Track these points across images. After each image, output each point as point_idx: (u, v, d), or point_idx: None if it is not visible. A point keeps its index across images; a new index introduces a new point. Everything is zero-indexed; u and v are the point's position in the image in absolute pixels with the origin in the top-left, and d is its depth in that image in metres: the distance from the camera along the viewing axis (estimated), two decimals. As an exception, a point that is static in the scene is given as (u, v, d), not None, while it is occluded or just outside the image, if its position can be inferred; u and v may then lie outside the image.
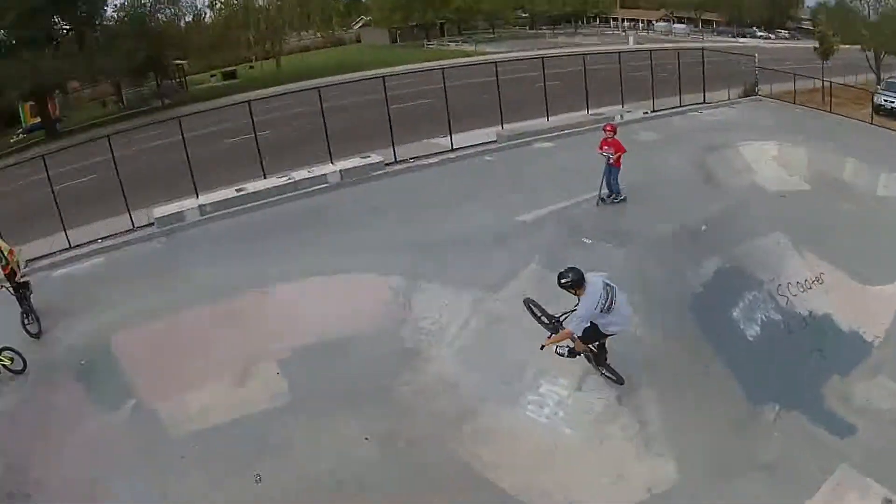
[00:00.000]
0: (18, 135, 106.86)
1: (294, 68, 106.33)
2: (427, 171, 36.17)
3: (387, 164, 36.87)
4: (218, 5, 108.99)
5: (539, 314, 18.81)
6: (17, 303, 25.75)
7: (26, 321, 25.37)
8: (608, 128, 26.86)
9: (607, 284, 16.86)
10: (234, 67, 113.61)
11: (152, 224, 34.39)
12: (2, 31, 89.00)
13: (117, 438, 21.34)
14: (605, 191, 26.74)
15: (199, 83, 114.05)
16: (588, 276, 16.88)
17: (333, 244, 27.53)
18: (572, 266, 17.04)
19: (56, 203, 34.73)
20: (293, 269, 26.04)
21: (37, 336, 25.19)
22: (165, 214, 34.37)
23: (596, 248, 22.96)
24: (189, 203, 34.96)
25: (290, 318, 24.02)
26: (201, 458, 20.13)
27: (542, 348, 17.68)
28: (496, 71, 41.27)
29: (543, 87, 41.98)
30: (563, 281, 16.81)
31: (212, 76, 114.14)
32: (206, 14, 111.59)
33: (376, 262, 25.25)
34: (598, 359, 18.22)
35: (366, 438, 19.41)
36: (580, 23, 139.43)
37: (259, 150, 37.57)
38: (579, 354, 18.09)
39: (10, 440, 20.71)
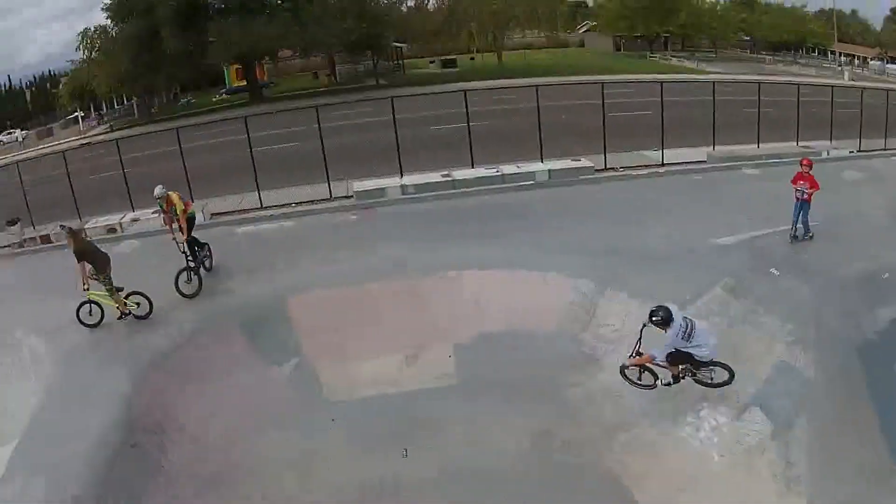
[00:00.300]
0: (220, 94, 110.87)
1: (515, 64, 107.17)
2: (634, 181, 36.36)
3: (596, 170, 37.17)
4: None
5: (635, 380, 19.68)
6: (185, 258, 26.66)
7: (182, 279, 26.17)
8: (805, 162, 26.14)
9: (685, 317, 18.44)
10: (454, 56, 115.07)
11: (350, 197, 35.87)
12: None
13: (272, 393, 22.62)
14: (799, 227, 26.31)
15: (416, 68, 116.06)
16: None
17: (529, 240, 28.02)
18: (663, 305, 18.32)
19: (253, 163, 36.41)
20: (484, 257, 26.72)
21: (189, 297, 26.04)
22: (365, 189, 35.77)
23: (781, 281, 22.84)
24: (391, 181, 36.30)
25: (474, 306, 24.72)
26: (353, 424, 21.03)
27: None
28: (713, 90, 41.21)
29: (757, 113, 41.68)
30: (654, 319, 18.16)
31: (431, 62, 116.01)
32: (429, 1, 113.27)
33: (568, 263, 25.61)
34: (696, 365, 18.80)
35: (525, 434, 19.83)
36: (798, 52, 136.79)
37: (470, 140, 38.44)
38: (682, 378, 19.09)
39: (161, 380, 22.09)
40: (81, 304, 24.80)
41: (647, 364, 19.26)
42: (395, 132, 37.83)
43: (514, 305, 24.06)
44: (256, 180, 37.39)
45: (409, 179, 36.64)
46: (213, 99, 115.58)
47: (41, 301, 26.65)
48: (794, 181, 25.89)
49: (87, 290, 24.60)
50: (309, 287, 26.39)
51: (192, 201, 35.36)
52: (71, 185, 40.23)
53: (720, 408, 18.64)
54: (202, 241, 28.01)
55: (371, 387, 22.60)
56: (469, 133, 38.87)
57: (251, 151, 37.71)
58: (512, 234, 28.98)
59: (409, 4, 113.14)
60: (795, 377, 18.68)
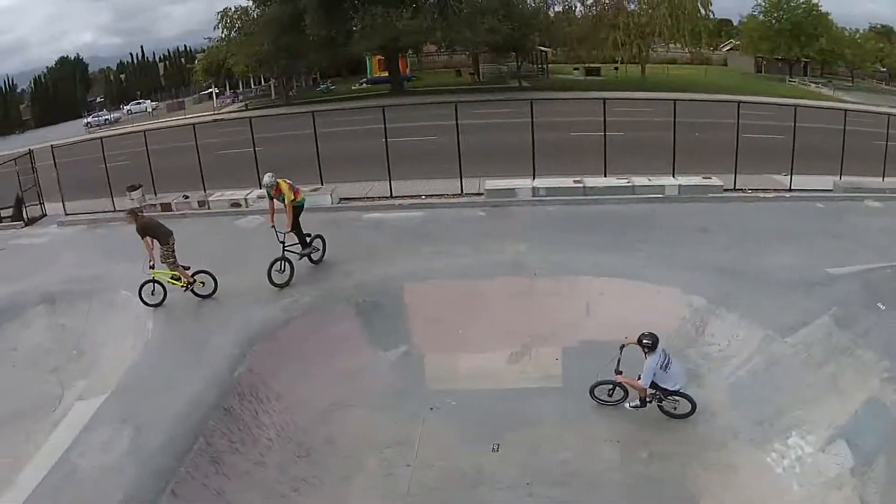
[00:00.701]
0: (361, 83, 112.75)
1: (658, 77, 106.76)
2: (760, 204, 36.21)
3: (725, 190, 37.20)
4: (590, 1, 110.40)
5: (603, 398, 21.69)
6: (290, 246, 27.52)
7: (275, 269, 26.79)
8: None
9: (663, 350, 20.20)
10: (598, 65, 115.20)
11: (481, 194, 36.67)
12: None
13: (376, 376, 23.55)
14: None
15: (559, 73, 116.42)
16: None
17: (650, 252, 28.54)
18: (653, 333, 20.16)
19: (387, 152, 37.74)
20: (604, 265, 27.22)
21: (280, 286, 26.68)
22: (497, 188, 36.48)
23: (886, 316, 22.41)
24: (522, 182, 36.94)
25: (587, 312, 25.28)
26: (451, 414, 21.73)
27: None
28: (844, 120, 40.79)
29: (885, 146, 40.92)
30: (644, 341, 20.01)
31: (575, 69, 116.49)
32: (576, 7, 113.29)
33: (685, 278, 25.93)
34: (665, 392, 20.48)
35: (617, 441, 20.18)
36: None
37: (605, 148, 38.87)
38: (649, 402, 20.86)
39: (268, 350, 23.09)
40: (144, 284, 26.00)
41: (625, 383, 21.02)
42: (532, 135, 38.49)
43: (626, 315, 23.94)
44: (389, 169, 38.40)
45: (541, 182, 37.14)
46: (353, 87, 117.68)
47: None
48: None
49: (153, 268, 25.74)
50: (427, 277, 27.25)
51: (322, 184, 36.96)
52: (199, 157, 42.14)
53: (808, 437, 18.57)
54: (316, 232, 28.85)
55: (474, 380, 23.19)
56: (605, 141, 39.19)
57: (386, 141, 38.81)
58: (634, 244, 29.42)
59: (556, 9, 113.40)
60: (883, 414, 18.36)
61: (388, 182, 38.61)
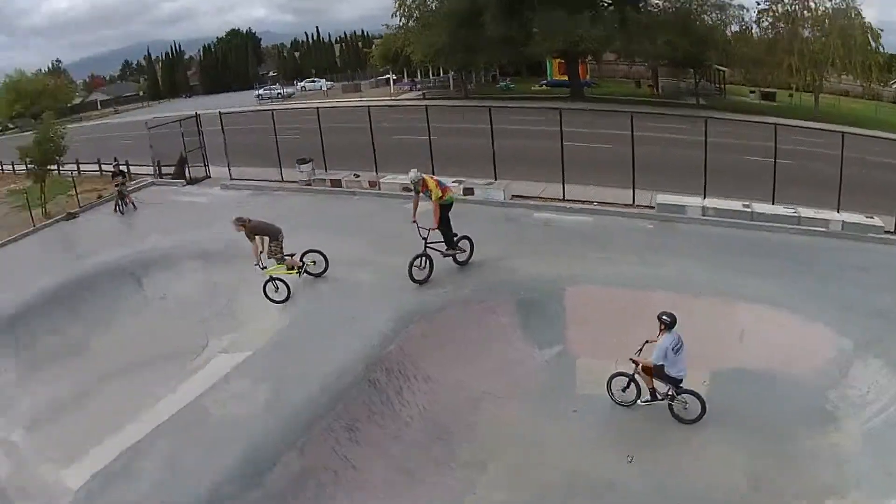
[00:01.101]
0: (540, 84, 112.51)
1: (829, 108, 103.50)
2: (919, 250, 34.28)
3: (886, 231, 35.89)
4: (765, 24, 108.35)
5: (618, 392, 22.94)
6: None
7: (416, 265, 27.53)
8: None
9: (678, 336, 21.45)
10: (773, 90, 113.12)
11: (652, 207, 36.85)
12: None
13: (527, 372, 24.16)
14: None
15: (735, 94, 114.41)
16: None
17: (808, 286, 28.00)
18: (673, 313, 21.61)
19: (562, 155, 38.57)
20: (762, 293, 27.01)
21: (419, 283, 27.39)
22: (667, 203, 36.62)
23: None
24: (693, 200, 36.85)
25: (742, 338, 25.18)
26: (592, 419, 22.21)
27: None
28: None
29: None
30: (664, 317, 21.54)
31: (751, 91, 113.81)
32: (752, 28, 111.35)
33: (838, 318, 25.27)
34: (678, 390, 21.76)
35: (740, 471, 20.09)
36: None
37: (775, 176, 38.39)
38: (660, 399, 22.05)
39: (423, 332, 24.11)
40: (266, 283, 27.47)
41: (639, 363, 22.01)
42: (705, 154, 38.40)
43: (774, 347, 24.19)
44: (563, 171, 38.96)
45: (711, 202, 36.98)
46: (533, 88, 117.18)
47: (319, 235, 29.47)
48: None
49: (265, 268, 27.02)
50: (588, 281, 27.68)
51: (495, 179, 37.54)
52: (372, 139, 43.90)
53: (928, 495, 17.53)
54: (482, 229, 29.62)
55: (621, 390, 23.17)
56: (774, 168, 38.74)
57: (562, 144, 39.28)
58: (794, 275, 28.98)
59: (733, 29, 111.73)
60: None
61: (560, 184, 39.06)
